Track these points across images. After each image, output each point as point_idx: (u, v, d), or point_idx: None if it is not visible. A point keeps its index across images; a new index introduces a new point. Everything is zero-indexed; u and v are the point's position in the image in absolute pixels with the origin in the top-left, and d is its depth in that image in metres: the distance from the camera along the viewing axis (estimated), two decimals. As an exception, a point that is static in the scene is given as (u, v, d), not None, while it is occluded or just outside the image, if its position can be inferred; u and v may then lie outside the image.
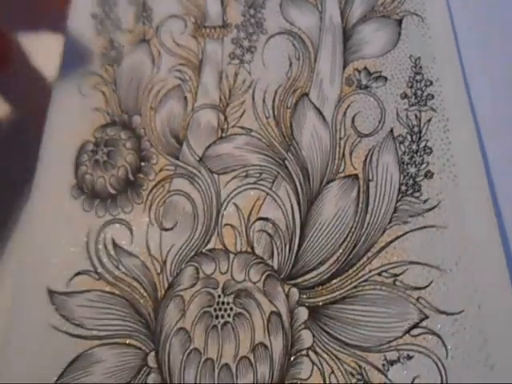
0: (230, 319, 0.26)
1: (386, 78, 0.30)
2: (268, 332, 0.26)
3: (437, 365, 0.23)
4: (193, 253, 0.28)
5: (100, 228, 0.29)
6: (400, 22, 0.32)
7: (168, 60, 0.33)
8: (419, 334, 0.24)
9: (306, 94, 0.31)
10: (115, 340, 0.27)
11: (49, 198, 0.29)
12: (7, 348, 0.26)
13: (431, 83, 0.30)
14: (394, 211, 0.27)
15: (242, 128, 0.30)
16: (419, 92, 0.30)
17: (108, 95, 0.32)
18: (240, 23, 0.34)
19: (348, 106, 0.30)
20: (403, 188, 0.27)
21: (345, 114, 0.30)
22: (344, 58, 0.32)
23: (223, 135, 0.30)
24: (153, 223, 0.29)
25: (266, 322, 0.26)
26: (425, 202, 0.27)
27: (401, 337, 0.24)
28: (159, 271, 0.28)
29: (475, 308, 0.24)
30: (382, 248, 0.26)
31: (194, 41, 0.34)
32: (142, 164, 0.30)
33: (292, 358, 0.25)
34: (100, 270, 0.28)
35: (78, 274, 0.28)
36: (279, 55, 0.32)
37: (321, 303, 0.26)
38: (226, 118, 0.31)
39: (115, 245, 0.28)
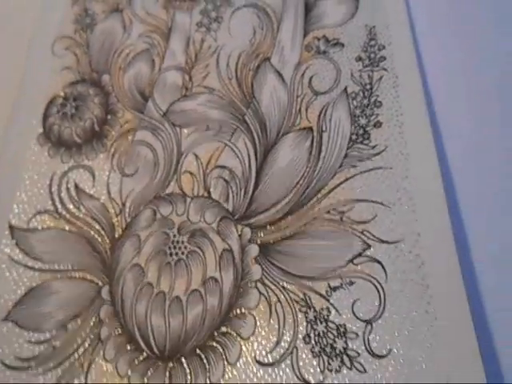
0: (184, 256, 0.27)
1: (342, 44, 0.32)
2: (219, 267, 0.26)
3: (376, 288, 0.24)
4: (151, 197, 0.29)
5: (64, 172, 0.30)
6: None
7: (138, 27, 0.34)
8: (362, 263, 0.25)
9: (268, 59, 0.32)
10: (71, 274, 0.27)
11: (16, 144, 0.30)
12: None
13: (384, 47, 0.31)
14: (345, 157, 0.28)
15: (206, 87, 0.32)
16: (372, 55, 0.31)
17: (80, 56, 0.34)
18: None
19: (306, 68, 0.31)
20: (354, 137, 0.28)
21: (303, 75, 0.31)
22: (305, 28, 0.33)
23: (187, 94, 0.32)
24: (115, 169, 0.29)
25: (217, 259, 0.26)
26: (373, 147, 0.28)
27: (344, 266, 0.25)
28: (118, 212, 0.28)
29: (415, 236, 0.25)
30: (332, 189, 0.27)
31: (164, 11, 0.35)
32: (109, 117, 0.31)
33: (241, 290, 0.25)
34: (61, 210, 0.28)
35: (39, 212, 0.28)
36: (244, 25, 0.34)
37: (272, 241, 0.26)
38: (190, 79, 0.32)
39: (77, 188, 0.29)
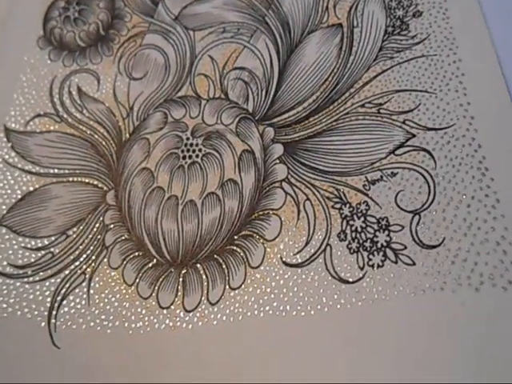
0: (198, 159, 0.23)
1: None
2: (239, 169, 0.23)
3: (424, 176, 0.20)
4: (162, 100, 0.25)
5: (66, 76, 0.27)
6: None
7: None
8: (405, 153, 0.21)
9: None
10: (73, 178, 0.23)
11: (14, 46, 0.27)
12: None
13: None
14: (380, 50, 0.24)
15: None
16: None
17: None
18: None
19: None
20: (390, 29, 0.25)
21: None
22: None
23: None
24: (121, 73, 0.26)
25: (237, 160, 0.22)
26: (413, 37, 0.24)
27: (384, 157, 0.21)
28: (125, 116, 0.25)
29: (468, 120, 0.21)
30: (367, 83, 0.23)
31: None
32: (115, 21, 0.28)
33: (264, 191, 0.22)
34: (62, 113, 0.25)
35: (37, 115, 0.25)
36: None
37: (297, 138, 0.22)
38: None
39: (80, 91, 0.26)
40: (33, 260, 0.22)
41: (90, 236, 0.22)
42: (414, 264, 0.19)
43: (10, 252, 0.22)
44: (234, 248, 0.21)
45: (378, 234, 0.20)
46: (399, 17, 0.25)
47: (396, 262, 0.19)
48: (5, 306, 0.21)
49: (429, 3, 0.25)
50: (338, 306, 0.19)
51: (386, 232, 0.20)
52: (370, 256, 0.19)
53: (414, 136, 0.21)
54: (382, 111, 0.23)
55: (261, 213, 0.22)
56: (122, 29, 0.28)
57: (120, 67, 0.27)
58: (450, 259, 0.18)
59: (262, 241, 0.21)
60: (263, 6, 0.28)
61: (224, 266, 0.21)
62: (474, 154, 0.20)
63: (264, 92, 0.25)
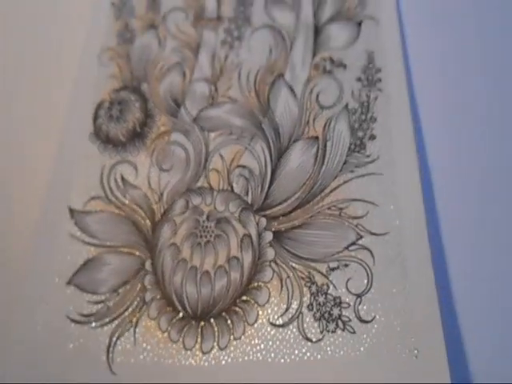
0: (212, 239, 0.34)
1: (345, 66, 0.39)
2: (241, 248, 0.33)
3: (365, 270, 0.31)
4: (184, 189, 0.36)
5: (112, 166, 0.37)
6: (360, 24, 0.41)
7: (172, 43, 0.41)
8: (355, 249, 0.32)
9: (282, 75, 0.39)
10: (120, 249, 0.34)
11: (72, 142, 0.37)
12: (35, 252, 0.33)
13: (380, 70, 0.38)
14: (344, 163, 0.35)
15: (229, 98, 0.38)
16: (370, 77, 0.38)
17: (122, 66, 0.40)
18: (231, 17, 0.42)
19: (314, 85, 0.38)
20: (352, 147, 0.35)
21: (311, 91, 0.38)
22: (313, 49, 0.40)
23: (213, 103, 0.38)
24: (154, 165, 0.37)
25: (239, 242, 0.33)
26: (368, 156, 0.35)
27: (341, 251, 0.32)
28: (157, 201, 0.35)
29: (397, 230, 0.32)
30: (333, 189, 0.34)
31: (193, 29, 0.42)
32: (148, 120, 0.38)
33: (258, 267, 0.33)
34: (110, 196, 0.36)
35: (93, 198, 0.35)
36: (262, 44, 0.40)
37: (283, 229, 0.33)
38: (216, 90, 0.39)
39: (123, 179, 0.36)
40: (94, 311, 0.33)
41: (134, 294, 0.33)
42: (355, 332, 0.30)
43: (78, 304, 0.33)
44: (237, 309, 0.32)
45: (333, 308, 0.31)
46: (359, 137, 0.36)
47: (343, 330, 0.31)
48: (76, 344, 0.32)
49: (380, 129, 0.36)
50: (305, 358, 0.30)
51: (339, 308, 0.31)
52: (327, 324, 0.31)
53: (361, 237, 0.33)
54: (342, 214, 0.34)
55: (255, 284, 0.33)
56: (153, 126, 0.38)
57: (153, 160, 0.37)
58: (379, 331, 0.30)
59: (256, 305, 0.32)
60: (261, 113, 0.39)
61: (229, 322, 0.32)
62: (398, 257, 0.32)
63: (260, 188, 0.36)
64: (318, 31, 0.40)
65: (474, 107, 0.38)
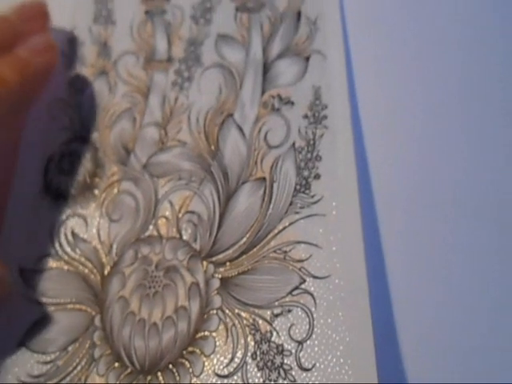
0: (160, 289, 0.35)
1: (293, 103, 0.40)
2: (189, 297, 0.34)
3: (307, 315, 0.32)
4: (134, 239, 0.37)
5: (62, 221, 0.38)
6: (308, 58, 0.42)
7: (122, 88, 0.43)
8: (298, 294, 0.33)
9: (231, 115, 0.40)
10: (69, 306, 0.35)
11: (22, 199, 0.39)
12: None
13: (326, 107, 0.39)
14: (290, 204, 0.36)
15: (179, 141, 0.40)
16: (316, 113, 0.39)
17: (73, 117, 0.42)
18: (182, 58, 0.43)
19: (262, 124, 0.39)
20: (298, 187, 0.36)
21: (260, 130, 0.39)
22: (262, 87, 0.41)
23: (163, 147, 0.40)
24: (104, 216, 0.38)
25: (187, 290, 0.35)
26: (312, 197, 0.36)
27: (285, 296, 0.33)
28: (107, 253, 0.37)
29: (339, 273, 0.33)
30: (278, 232, 0.35)
31: (143, 72, 0.43)
32: (98, 170, 0.40)
33: (205, 316, 0.34)
34: (61, 253, 0.37)
35: (43, 256, 0.37)
36: (212, 84, 0.42)
37: (230, 275, 0.35)
38: (166, 133, 0.40)
39: (73, 233, 0.38)
40: (44, 371, 0.34)
41: (84, 351, 0.34)
42: (295, 381, 0.31)
43: (29, 365, 0.34)
44: (183, 361, 0.33)
45: (276, 356, 0.32)
46: (305, 177, 0.37)
47: (285, 379, 0.31)
48: None
49: (325, 168, 0.37)
50: None
51: (281, 356, 0.32)
52: (270, 373, 0.32)
53: (304, 281, 0.34)
54: (286, 258, 0.35)
55: (202, 333, 0.34)
56: (103, 176, 0.40)
57: (102, 211, 0.39)
58: (317, 380, 0.31)
59: (202, 356, 0.33)
60: (210, 156, 0.40)
61: (176, 374, 0.33)
62: (339, 302, 0.32)
63: (208, 233, 0.37)
64: (266, 68, 0.41)
65: (419, 142, 0.38)
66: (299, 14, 0.43)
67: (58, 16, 0.45)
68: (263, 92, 0.40)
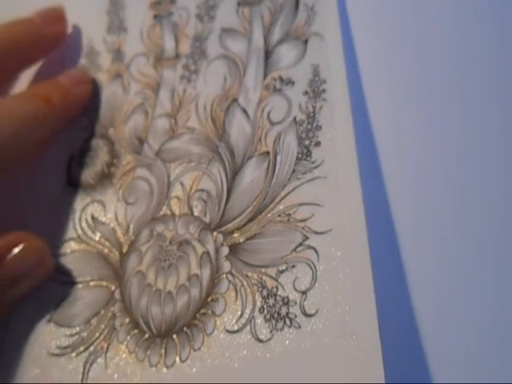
0: (174, 261, 0.38)
1: (293, 82, 0.43)
2: (200, 266, 0.38)
3: (310, 267, 0.35)
4: (149, 219, 0.40)
5: (83, 207, 0.42)
6: (306, 41, 0.45)
7: (135, 86, 0.47)
8: (301, 250, 0.35)
9: (236, 100, 0.44)
10: (91, 283, 0.39)
11: (48, 193, 0.43)
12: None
13: (325, 81, 0.42)
14: (292, 172, 0.39)
15: (188, 128, 0.43)
16: (316, 89, 0.42)
17: (91, 118, 0.47)
18: (189, 53, 0.48)
19: (265, 105, 0.43)
20: (299, 155, 0.39)
21: (263, 110, 0.42)
22: (264, 71, 0.45)
23: (174, 135, 0.44)
24: (120, 200, 0.42)
25: (199, 260, 0.38)
26: (313, 162, 0.38)
27: (289, 254, 0.36)
28: (124, 233, 0.40)
29: (340, 226, 0.35)
30: (282, 198, 0.38)
31: (153, 70, 0.47)
32: (115, 161, 0.44)
33: (216, 281, 0.37)
34: (83, 236, 0.41)
35: (67, 240, 0.41)
36: (217, 74, 0.45)
37: (238, 241, 0.37)
38: (176, 122, 0.44)
39: (93, 218, 0.42)
40: (71, 342, 0.38)
41: (106, 322, 0.38)
42: (300, 327, 0.34)
43: (57, 338, 0.38)
44: (196, 322, 0.36)
45: (282, 308, 0.35)
46: (306, 145, 0.40)
47: (290, 327, 0.34)
48: (56, 374, 0.37)
49: (325, 136, 0.40)
50: (255, 357, 0.34)
51: (286, 306, 0.34)
52: (276, 323, 0.34)
53: (307, 238, 0.36)
54: (290, 220, 0.37)
55: (213, 296, 0.37)
56: (119, 165, 0.44)
57: (119, 196, 0.42)
58: (321, 322, 0.33)
59: (213, 316, 0.36)
60: (217, 138, 0.43)
61: (190, 335, 0.36)
62: (337, 255, 0.35)
63: (217, 208, 0.40)
64: (268, 54, 0.45)
65: (419, 105, 0.41)
66: (297, 2, 0.47)
67: (76, 28, 0.50)
68: (265, 76, 0.44)
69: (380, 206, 0.37)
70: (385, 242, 0.36)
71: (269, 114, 0.41)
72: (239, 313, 0.34)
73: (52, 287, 0.39)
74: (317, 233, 0.35)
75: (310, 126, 0.39)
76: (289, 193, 0.37)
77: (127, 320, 0.36)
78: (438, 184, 0.38)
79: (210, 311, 0.35)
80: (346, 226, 0.34)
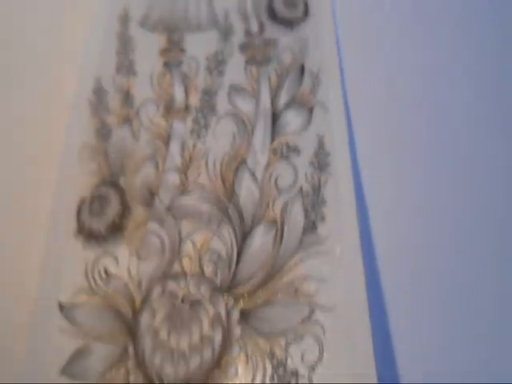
0: (186, 320, 0.42)
1: (299, 151, 0.47)
2: (212, 327, 0.41)
3: (317, 341, 0.39)
4: (161, 275, 0.44)
5: (95, 259, 0.45)
6: (311, 109, 0.49)
7: (145, 135, 0.49)
8: (308, 323, 0.40)
9: (245, 161, 0.47)
10: (104, 337, 0.42)
11: (58, 240, 0.45)
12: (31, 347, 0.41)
13: (329, 154, 0.46)
14: (299, 243, 0.43)
15: (198, 185, 0.46)
16: (321, 161, 0.46)
17: (100, 162, 0.49)
18: (198, 106, 0.50)
19: (273, 170, 0.46)
20: (305, 228, 0.43)
21: (270, 176, 0.46)
22: (272, 135, 0.48)
23: (184, 190, 0.47)
24: (133, 254, 0.44)
25: (211, 321, 0.41)
26: (318, 237, 0.43)
27: (297, 326, 0.40)
28: (137, 288, 0.43)
29: (343, 304, 0.40)
30: (290, 269, 0.42)
31: (164, 120, 0.50)
32: (125, 212, 0.46)
33: (227, 344, 0.41)
34: (95, 288, 0.44)
35: (79, 291, 0.44)
36: (226, 131, 0.48)
37: (248, 307, 0.41)
38: (186, 178, 0.47)
39: (106, 270, 0.44)
40: None
41: (120, 377, 0.41)
42: None
43: None
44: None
45: (291, 379, 0.39)
46: (312, 220, 0.44)
47: None
48: None
49: (329, 211, 0.44)
50: None
51: (295, 377, 0.39)
52: None
53: (314, 312, 0.41)
54: (297, 292, 0.42)
55: (226, 359, 0.41)
56: (131, 217, 0.47)
57: (131, 250, 0.45)
58: None
59: (225, 380, 0.40)
60: (227, 198, 0.47)
61: None
62: (344, 330, 0.39)
63: (227, 269, 0.44)
64: (275, 117, 0.48)
65: (414, 179, 0.45)
66: (303, 68, 0.50)
67: (85, 66, 0.51)
68: (273, 140, 0.47)
69: (379, 285, 0.42)
70: (383, 318, 0.41)
71: (276, 180, 0.45)
72: (250, 379, 0.38)
73: (63, 338, 0.41)
74: (322, 307, 0.39)
75: (315, 199, 0.44)
76: (296, 265, 0.41)
77: (141, 377, 0.39)
78: (438, 257, 0.43)
79: (222, 374, 0.39)
80: (348, 304, 0.39)
